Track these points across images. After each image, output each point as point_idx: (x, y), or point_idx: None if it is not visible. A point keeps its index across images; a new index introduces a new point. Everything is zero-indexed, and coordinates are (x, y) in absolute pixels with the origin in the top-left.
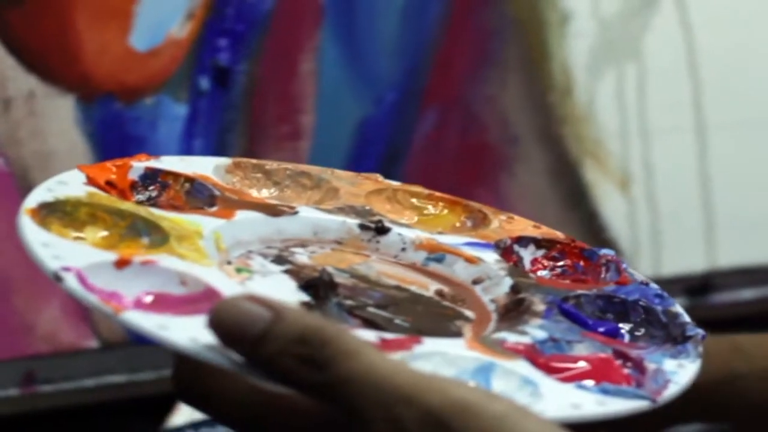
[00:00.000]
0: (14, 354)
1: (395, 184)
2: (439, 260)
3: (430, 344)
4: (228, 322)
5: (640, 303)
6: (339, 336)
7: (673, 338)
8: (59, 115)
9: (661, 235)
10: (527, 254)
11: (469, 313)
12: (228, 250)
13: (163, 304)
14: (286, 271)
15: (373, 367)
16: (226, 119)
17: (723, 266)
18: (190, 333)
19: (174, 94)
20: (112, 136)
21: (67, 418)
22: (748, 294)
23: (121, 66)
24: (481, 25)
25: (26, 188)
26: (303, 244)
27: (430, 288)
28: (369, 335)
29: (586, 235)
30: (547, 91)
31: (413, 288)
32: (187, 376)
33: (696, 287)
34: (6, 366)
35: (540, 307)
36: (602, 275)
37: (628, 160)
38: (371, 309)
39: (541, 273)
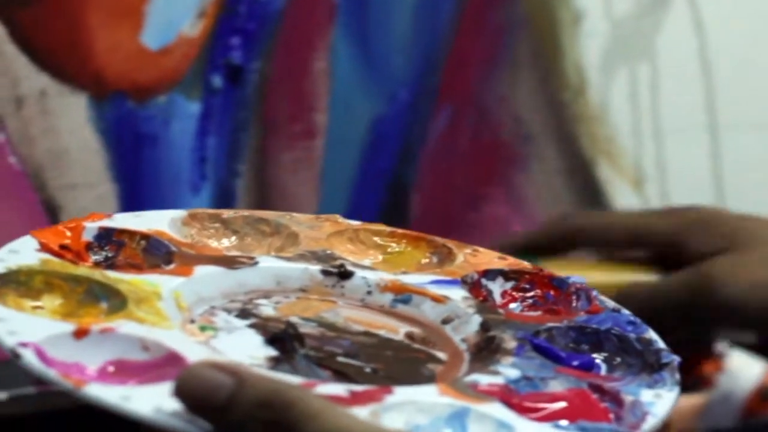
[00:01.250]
0: None
1: (355, 223)
2: (406, 301)
3: (402, 393)
4: (193, 392)
5: (613, 331)
6: (302, 398)
7: (649, 366)
8: (71, 113)
9: None
10: (496, 287)
11: (440, 355)
12: (190, 308)
13: (126, 372)
14: (252, 325)
15: (336, 428)
16: (239, 117)
17: None
18: (154, 402)
19: (186, 93)
20: (124, 134)
21: (83, 416)
22: None
23: (134, 64)
24: (494, 23)
25: (39, 186)
26: (267, 295)
27: (399, 331)
28: (338, 389)
29: None
30: (560, 90)
31: (382, 332)
32: None
33: None
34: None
35: (511, 344)
36: (573, 304)
37: (641, 159)
38: (340, 359)
39: (512, 305)
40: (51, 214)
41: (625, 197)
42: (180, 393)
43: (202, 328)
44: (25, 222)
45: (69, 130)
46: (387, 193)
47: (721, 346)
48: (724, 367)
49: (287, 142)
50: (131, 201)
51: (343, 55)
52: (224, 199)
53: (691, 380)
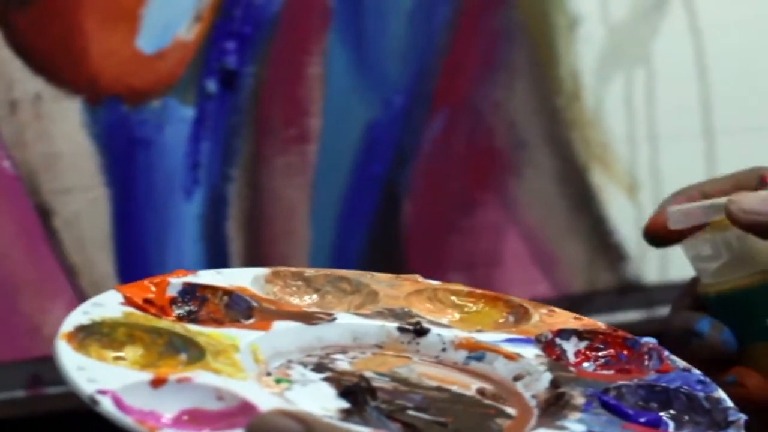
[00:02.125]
0: (20, 356)
1: (435, 283)
2: (480, 358)
3: None
4: None
5: (682, 390)
6: None
7: (717, 424)
8: (66, 117)
9: (671, 246)
10: (570, 347)
11: (510, 410)
12: (267, 362)
13: (200, 420)
14: (326, 379)
15: None
16: (233, 122)
17: None
18: None
19: (181, 97)
20: (118, 138)
21: (74, 420)
22: None
23: (128, 68)
24: (489, 29)
25: (33, 190)
26: (343, 351)
27: (471, 387)
28: None
29: (592, 239)
30: (555, 95)
31: (454, 388)
32: None
33: None
34: (12, 368)
35: (580, 400)
36: (645, 363)
37: (635, 165)
38: (411, 412)
39: (585, 365)
40: (44, 218)
41: (618, 203)
42: None
43: (278, 381)
44: (17, 226)
45: (63, 134)
46: (381, 198)
47: None
48: None
49: (281, 147)
50: (124, 205)
51: (338, 60)
52: (217, 204)
53: None
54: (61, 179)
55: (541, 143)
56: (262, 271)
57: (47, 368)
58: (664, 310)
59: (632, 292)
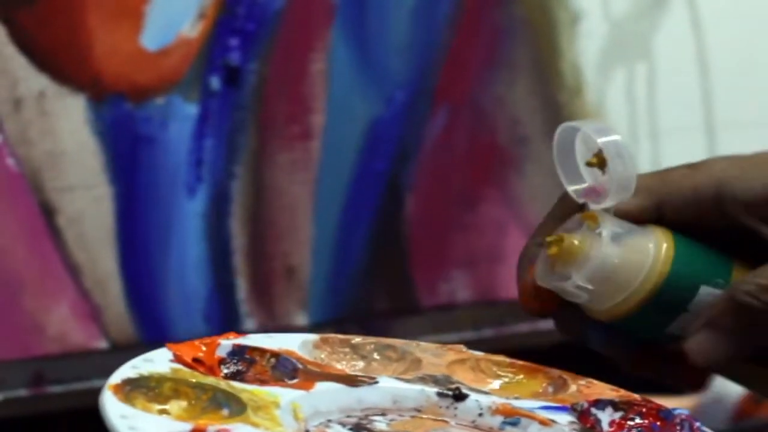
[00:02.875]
0: (24, 354)
1: (478, 354)
2: (515, 424)
3: None
4: None
5: None
6: None
7: None
8: (70, 114)
9: None
10: (605, 416)
11: None
12: (306, 420)
13: None
14: None
15: None
16: (237, 119)
17: None
18: None
19: (185, 94)
20: (122, 135)
21: (77, 418)
22: None
23: (132, 66)
24: (491, 25)
25: (36, 188)
26: (383, 413)
27: None
28: None
29: None
30: (557, 90)
31: None
32: None
33: None
34: (15, 366)
35: None
36: None
37: (637, 159)
38: None
39: None
40: (47, 216)
41: None
42: None
43: None
44: (20, 224)
45: (67, 131)
46: (383, 194)
47: None
48: None
49: (284, 144)
50: (128, 203)
51: (341, 57)
52: (220, 200)
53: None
54: (64, 177)
55: (543, 139)
56: (311, 337)
57: (50, 366)
58: None
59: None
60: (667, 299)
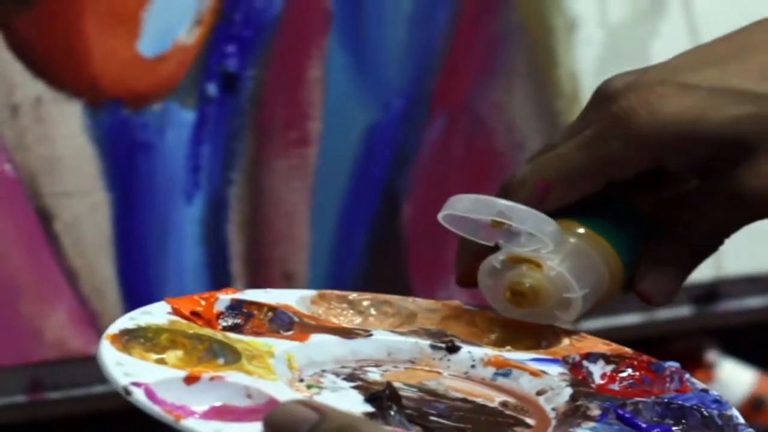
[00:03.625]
0: (21, 360)
1: (473, 309)
2: (506, 375)
3: None
4: (279, 424)
5: (697, 408)
6: (371, 430)
7: None
8: (67, 121)
9: None
10: (597, 369)
11: (529, 421)
12: (301, 369)
13: (226, 414)
14: (356, 387)
15: None
16: (234, 125)
17: (729, 274)
18: None
19: (182, 100)
20: (119, 142)
21: (75, 425)
22: (754, 302)
23: (129, 72)
24: (488, 32)
25: (33, 194)
26: (377, 364)
27: (495, 400)
28: None
29: None
30: (554, 97)
31: (478, 400)
32: None
33: (703, 295)
34: (13, 372)
35: (595, 411)
36: (666, 385)
37: None
38: (433, 418)
39: (610, 386)
40: (44, 222)
41: None
42: (268, 426)
43: (309, 386)
44: (18, 230)
45: (64, 137)
46: (381, 201)
47: (712, 355)
48: (715, 377)
49: (281, 150)
50: (125, 209)
51: (338, 63)
52: (217, 207)
53: None
54: (61, 183)
55: (540, 146)
56: (309, 293)
57: (48, 372)
58: (663, 314)
59: (631, 296)
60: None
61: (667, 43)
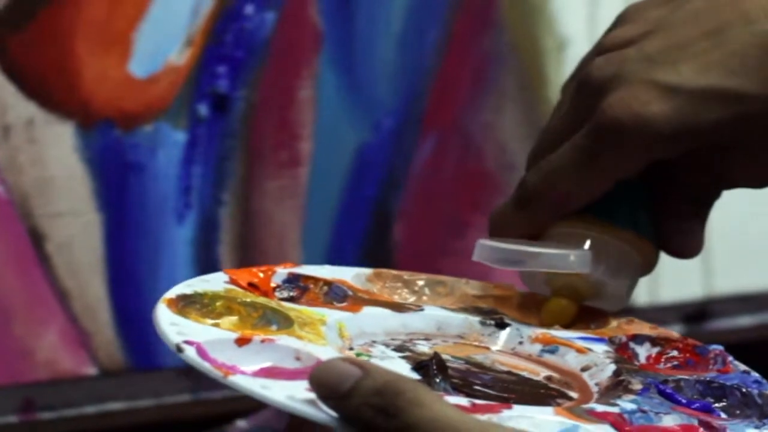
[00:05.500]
0: (13, 381)
1: (525, 292)
2: (553, 351)
3: (519, 410)
4: (324, 380)
5: (737, 386)
6: (412, 388)
7: (765, 415)
8: (59, 141)
9: (659, 261)
10: (642, 351)
11: (572, 394)
12: (351, 338)
13: (275, 374)
14: (404, 357)
15: (440, 415)
16: (225, 146)
17: (720, 293)
18: (288, 392)
19: (173, 121)
20: (111, 162)
21: None
22: (745, 321)
23: (121, 93)
24: (478, 52)
25: (25, 215)
26: (426, 338)
27: (540, 374)
28: (461, 400)
29: None
30: (544, 117)
31: (524, 374)
32: (296, 430)
33: (693, 314)
34: (5, 393)
35: (637, 386)
36: (710, 367)
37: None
38: (477, 387)
39: (655, 366)
40: (36, 242)
41: None
42: (313, 382)
43: (358, 354)
44: (9, 250)
45: (56, 158)
46: (372, 220)
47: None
48: None
49: (272, 171)
50: (116, 229)
51: (329, 84)
52: (209, 227)
53: None
54: (53, 203)
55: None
56: (365, 271)
57: (40, 393)
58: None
59: (623, 314)
60: None
61: None
